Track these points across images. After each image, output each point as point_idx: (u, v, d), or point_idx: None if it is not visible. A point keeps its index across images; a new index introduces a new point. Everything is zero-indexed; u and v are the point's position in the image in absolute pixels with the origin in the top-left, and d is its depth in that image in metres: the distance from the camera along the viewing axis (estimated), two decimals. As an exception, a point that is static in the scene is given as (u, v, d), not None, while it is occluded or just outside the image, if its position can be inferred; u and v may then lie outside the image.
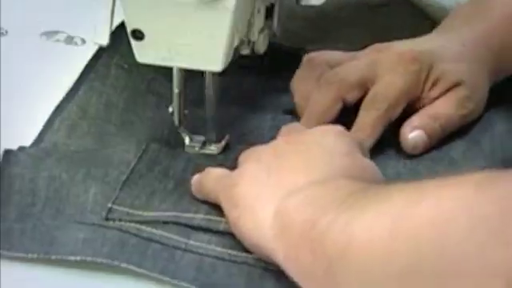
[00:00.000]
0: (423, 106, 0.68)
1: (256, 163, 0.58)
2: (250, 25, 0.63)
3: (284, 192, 0.54)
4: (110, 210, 0.60)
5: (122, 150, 0.66)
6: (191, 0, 0.58)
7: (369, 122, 0.66)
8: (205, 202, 0.61)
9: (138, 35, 0.60)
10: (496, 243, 0.40)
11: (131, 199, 0.61)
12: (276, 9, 0.65)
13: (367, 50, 0.70)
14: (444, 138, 0.68)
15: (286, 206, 0.53)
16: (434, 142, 0.67)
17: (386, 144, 0.68)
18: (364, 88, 0.68)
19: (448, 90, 0.68)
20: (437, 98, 0.68)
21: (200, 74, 0.64)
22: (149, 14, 0.59)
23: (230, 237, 0.58)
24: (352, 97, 0.68)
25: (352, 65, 0.69)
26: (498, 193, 0.42)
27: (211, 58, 0.60)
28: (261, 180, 0.57)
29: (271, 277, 0.56)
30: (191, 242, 0.58)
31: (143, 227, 0.59)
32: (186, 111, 0.66)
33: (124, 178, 0.63)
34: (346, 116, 0.67)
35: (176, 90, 0.65)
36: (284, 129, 0.64)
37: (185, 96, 0.65)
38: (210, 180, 0.61)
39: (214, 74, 0.64)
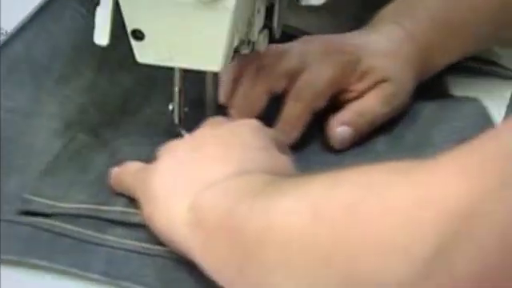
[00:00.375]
0: (349, 99, 0.68)
1: (171, 157, 0.59)
2: (250, 25, 0.63)
3: (198, 186, 0.54)
4: (27, 201, 0.61)
5: (48, 135, 0.67)
6: (191, 0, 0.58)
7: (294, 113, 0.66)
8: (124, 195, 0.61)
9: (138, 35, 0.60)
10: (405, 226, 0.41)
11: (50, 189, 0.62)
12: (276, 9, 0.65)
13: (296, 42, 0.70)
14: (368, 133, 0.68)
15: (201, 199, 0.53)
16: (360, 137, 0.68)
17: (312, 138, 0.68)
18: (292, 79, 0.67)
19: (375, 86, 0.68)
20: (364, 92, 0.68)
21: (200, 73, 0.64)
22: (149, 14, 0.59)
23: (146, 230, 0.58)
24: (280, 88, 0.67)
25: (280, 56, 0.68)
26: (409, 179, 0.42)
27: (211, 57, 0.60)
28: (175, 174, 0.57)
29: (184, 269, 0.56)
30: (105, 236, 0.59)
31: (56, 223, 0.59)
32: (186, 109, 0.66)
33: (44, 167, 0.64)
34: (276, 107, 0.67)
35: (176, 89, 0.65)
36: (205, 122, 0.63)
37: (185, 94, 0.65)
38: (128, 174, 0.61)
39: (214, 73, 0.64)
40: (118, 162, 0.63)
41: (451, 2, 0.71)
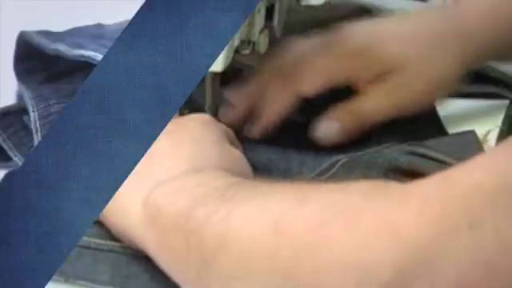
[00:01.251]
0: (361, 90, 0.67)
1: None
2: (250, 25, 0.63)
3: (152, 181, 0.54)
4: None
5: None
6: (191, 0, 0.57)
7: (280, 98, 0.66)
8: None
9: (138, 35, 0.60)
10: (366, 250, 0.41)
11: None
12: (276, 9, 0.65)
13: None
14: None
15: (156, 195, 0.53)
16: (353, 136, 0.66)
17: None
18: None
19: (382, 77, 0.66)
20: (370, 83, 0.66)
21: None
22: (149, 14, 0.59)
23: (98, 226, 0.58)
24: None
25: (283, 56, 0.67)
26: (374, 205, 0.42)
27: (211, 57, 0.60)
28: None
29: (139, 263, 0.56)
30: None
31: None
32: (187, 111, 0.66)
33: None
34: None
35: (176, 91, 0.65)
36: None
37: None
38: None
39: (214, 73, 0.64)
40: None
41: None
